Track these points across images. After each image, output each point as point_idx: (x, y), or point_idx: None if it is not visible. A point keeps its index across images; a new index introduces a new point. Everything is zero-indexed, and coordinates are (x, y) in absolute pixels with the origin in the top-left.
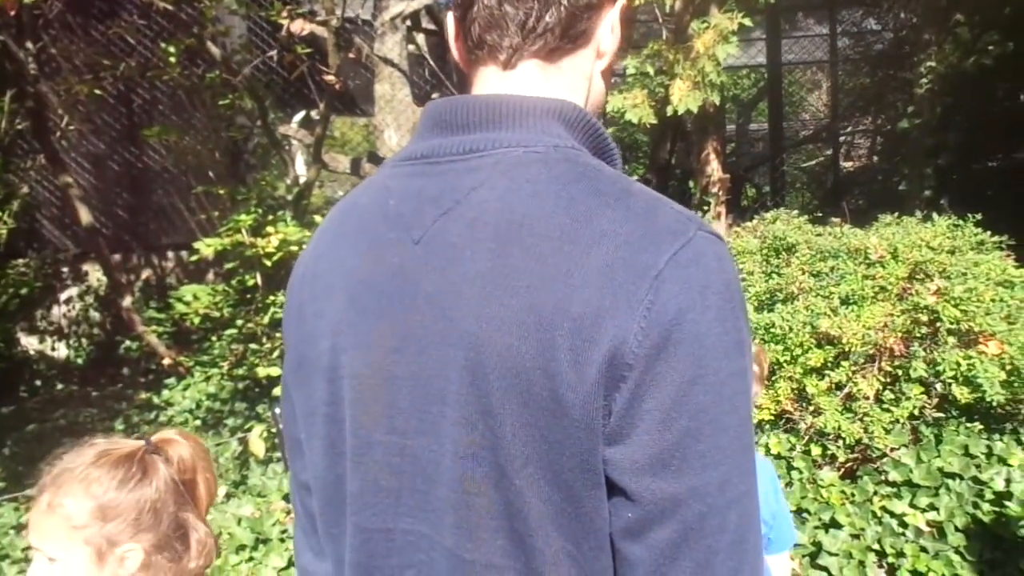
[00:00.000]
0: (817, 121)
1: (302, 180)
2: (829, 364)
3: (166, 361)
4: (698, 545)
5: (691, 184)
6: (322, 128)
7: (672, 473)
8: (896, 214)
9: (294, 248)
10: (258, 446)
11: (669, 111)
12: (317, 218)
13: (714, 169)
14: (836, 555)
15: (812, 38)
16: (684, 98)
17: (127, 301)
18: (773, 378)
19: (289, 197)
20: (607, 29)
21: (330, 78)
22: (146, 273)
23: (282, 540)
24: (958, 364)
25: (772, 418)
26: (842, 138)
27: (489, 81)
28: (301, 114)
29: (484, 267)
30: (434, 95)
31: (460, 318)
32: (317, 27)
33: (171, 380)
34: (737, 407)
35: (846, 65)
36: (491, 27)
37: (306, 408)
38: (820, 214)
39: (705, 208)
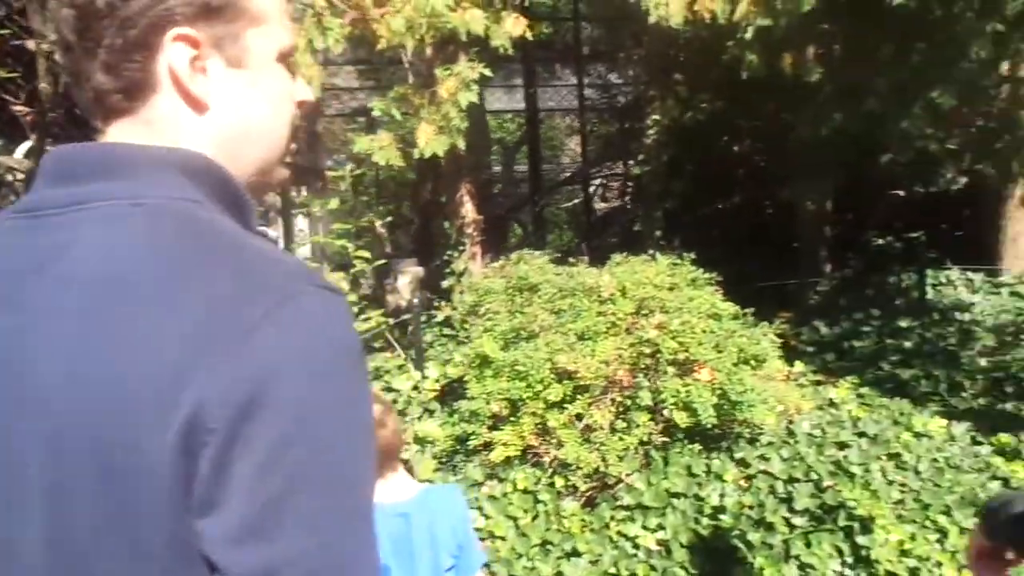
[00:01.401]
0: (575, 165)
1: None
2: (568, 398)
3: None
4: None
5: (446, 225)
6: (35, 161)
7: (266, 542)
8: (625, 254)
9: None
10: None
11: (416, 154)
12: None
13: (468, 211)
14: None
15: (569, 87)
16: (430, 141)
17: None
18: (518, 414)
19: None
20: (186, 72)
21: (20, 108)
22: None
23: None
24: (677, 391)
25: (518, 454)
26: (597, 181)
27: (111, 130)
28: (26, 144)
29: (71, 329)
30: None
31: (41, 387)
32: (31, 44)
33: None
34: (343, 469)
35: (593, 114)
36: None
37: None
38: (561, 255)
39: (461, 248)
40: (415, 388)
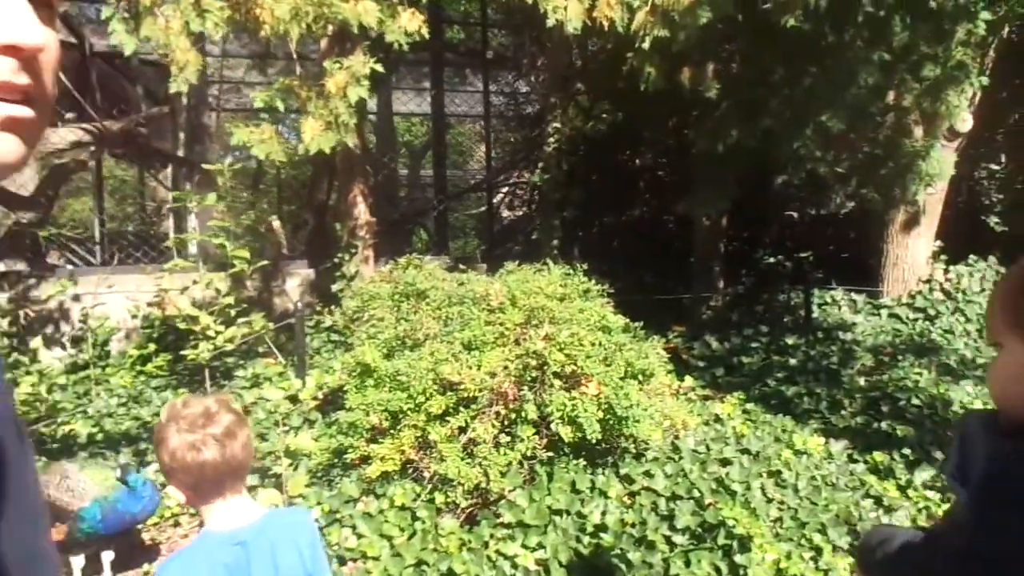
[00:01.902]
0: (482, 171)
1: None
2: (451, 410)
3: None
4: None
5: (337, 226)
6: None
7: None
8: (518, 262)
9: None
10: None
11: (301, 149)
12: None
13: (361, 212)
14: None
15: (478, 93)
16: (316, 137)
17: None
18: (398, 427)
19: None
20: None
21: None
22: None
23: None
24: (563, 405)
25: (397, 468)
26: (505, 189)
27: None
28: None
29: None
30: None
31: None
32: None
33: None
34: None
35: (500, 121)
36: None
37: None
38: (455, 262)
39: (353, 251)
40: (291, 398)
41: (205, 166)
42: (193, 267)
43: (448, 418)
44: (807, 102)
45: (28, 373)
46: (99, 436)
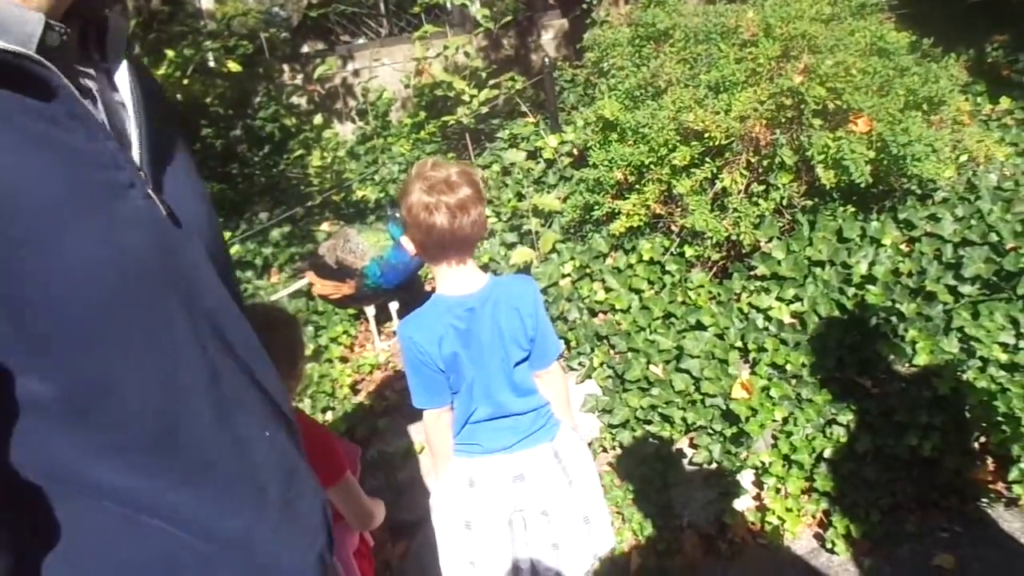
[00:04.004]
0: None
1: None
2: (696, 160)
3: None
4: None
5: None
6: None
7: None
8: None
9: None
10: None
11: None
12: None
13: None
14: (698, 357)
15: None
16: None
17: None
18: (643, 181)
19: None
20: None
21: None
22: None
23: None
24: (826, 147)
25: (644, 223)
26: None
27: None
28: None
29: None
30: None
31: None
32: None
33: None
34: None
35: None
36: None
37: None
38: None
39: None
40: (532, 155)
41: None
42: (442, 31)
43: (694, 169)
44: None
45: (319, 147)
46: (384, 200)
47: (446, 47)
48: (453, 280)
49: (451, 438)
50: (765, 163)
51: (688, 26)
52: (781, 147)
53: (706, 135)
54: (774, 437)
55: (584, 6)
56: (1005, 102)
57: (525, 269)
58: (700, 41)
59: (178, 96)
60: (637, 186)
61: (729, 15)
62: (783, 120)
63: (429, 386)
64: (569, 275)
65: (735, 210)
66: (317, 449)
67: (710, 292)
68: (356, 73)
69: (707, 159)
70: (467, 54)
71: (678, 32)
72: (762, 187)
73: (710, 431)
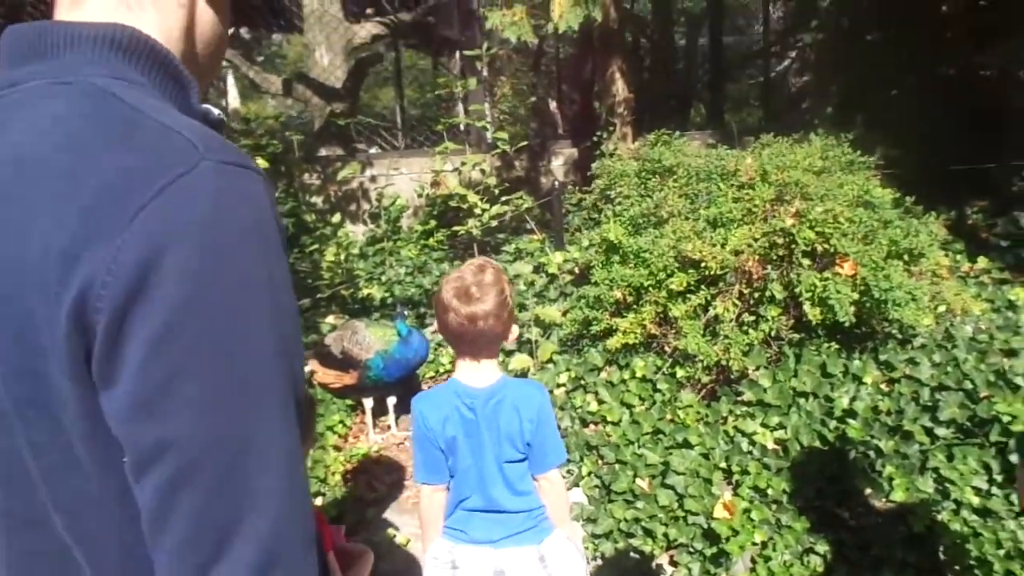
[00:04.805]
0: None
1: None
2: (692, 287)
3: None
4: (193, 491)
5: (596, 105)
6: None
7: (156, 420)
8: (772, 134)
9: None
10: None
11: (550, 28)
12: None
13: (619, 89)
14: (683, 474)
15: None
16: (564, 14)
17: None
18: (640, 302)
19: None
20: None
21: None
22: None
23: None
24: (814, 285)
25: (638, 342)
26: (793, 53)
27: (62, 8)
28: (229, 31)
29: None
30: (368, 10)
31: None
32: None
33: None
34: (239, 349)
35: None
36: None
37: None
38: (723, 137)
39: (611, 129)
40: (537, 270)
41: (466, 52)
42: (460, 149)
43: (689, 295)
44: None
45: (335, 243)
46: (389, 299)
47: (463, 163)
48: (465, 371)
49: (442, 517)
50: (756, 295)
51: (691, 165)
52: (772, 282)
53: (702, 264)
54: (753, 560)
55: (595, 138)
56: (983, 262)
57: (522, 376)
58: (702, 179)
59: None
60: (635, 306)
61: (729, 159)
62: (775, 257)
63: (429, 462)
64: (564, 385)
65: (726, 337)
66: None
67: (698, 413)
68: (373, 179)
69: (702, 287)
70: (483, 171)
71: (681, 170)
72: (752, 318)
73: (691, 549)
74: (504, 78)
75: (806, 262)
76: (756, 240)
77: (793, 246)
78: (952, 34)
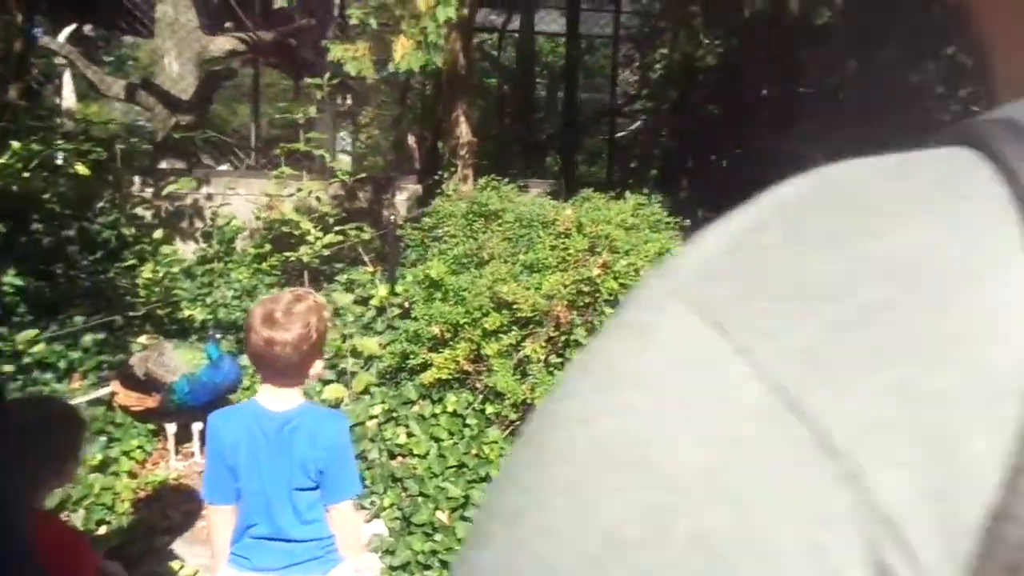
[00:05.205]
0: (628, 95)
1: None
2: (505, 327)
3: None
4: None
5: (439, 144)
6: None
7: None
8: (592, 189)
9: None
10: None
11: (391, 67)
12: None
13: (463, 132)
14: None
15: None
16: (407, 56)
17: None
18: (456, 339)
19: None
20: None
21: None
22: None
23: None
24: None
25: (452, 377)
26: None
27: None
28: (70, 27)
29: None
30: (227, 24)
31: None
32: None
33: None
34: None
35: (631, 45)
36: None
37: None
38: (564, 189)
39: (452, 170)
40: (365, 302)
41: (307, 80)
42: (298, 175)
43: (502, 335)
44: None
45: (153, 260)
46: (211, 322)
47: (299, 189)
48: (266, 394)
49: (228, 540)
50: (563, 339)
51: (516, 211)
52: (576, 327)
53: (515, 306)
54: None
55: (436, 177)
56: None
57: (335, 406)
58: (524, 226)
59: (13, 187)
60: (451, 342)
61: (550, 209)
62: (581, 304)
63: (216, 480)
64: (376, 417)
65: (534, 377)
66: (65, 555)
67: (502, 448)
68: (210, 197)
69: (514, 328)
70: (318, 199)
71: (508, 214)
72: (559, 359)
73: None
74: (368, 108)
75: (608, 310)
76: (566, 287)
77: (597, 294)
78: (769, 114)
